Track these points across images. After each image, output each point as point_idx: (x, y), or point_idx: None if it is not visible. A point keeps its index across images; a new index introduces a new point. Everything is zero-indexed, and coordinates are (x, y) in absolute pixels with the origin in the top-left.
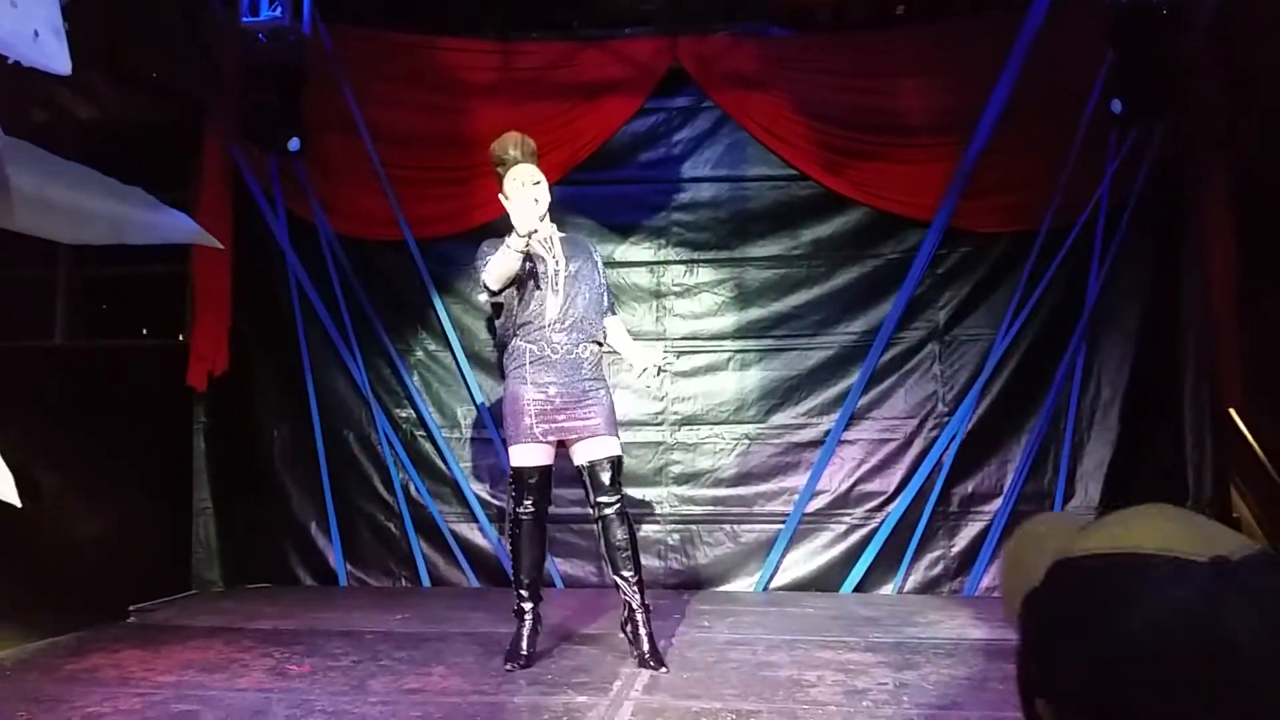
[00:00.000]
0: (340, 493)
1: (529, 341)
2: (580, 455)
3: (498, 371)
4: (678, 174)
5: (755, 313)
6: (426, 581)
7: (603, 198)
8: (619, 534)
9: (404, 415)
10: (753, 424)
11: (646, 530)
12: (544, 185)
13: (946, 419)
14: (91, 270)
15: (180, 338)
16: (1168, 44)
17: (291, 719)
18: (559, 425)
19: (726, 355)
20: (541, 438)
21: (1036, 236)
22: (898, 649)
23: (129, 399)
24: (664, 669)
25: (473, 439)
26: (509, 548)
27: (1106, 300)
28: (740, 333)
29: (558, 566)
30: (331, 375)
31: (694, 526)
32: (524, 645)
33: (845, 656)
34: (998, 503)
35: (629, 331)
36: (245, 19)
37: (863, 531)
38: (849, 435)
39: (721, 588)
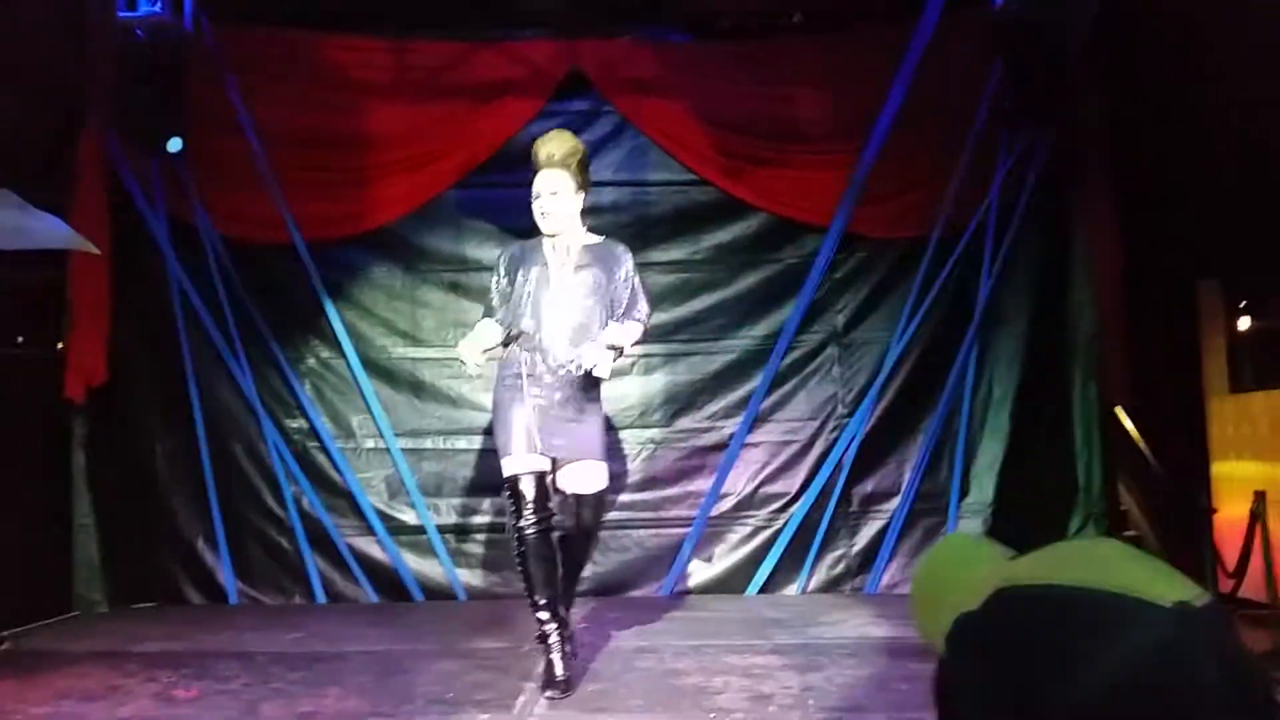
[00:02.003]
0: (228, 507)
1: (526, 351)
2: (565, 482)
3: (397, 379)
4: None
5: (658, 317)
6: (322, 598)
7: (503, 201)
8: (582, 557)
9: (295, 426)
10: (658, 428)
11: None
12: (558, 196)
13: (846, 420)
14: None
15: (59, 346)
16: (1050, 53)
17: None
18: (550, 443)
19: (630, 360)
20: (533, 449)
21: (930, 241)
22: (803, 650)
23: (3, 411)
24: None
25: (369, 449)
26: (518, 568)
27: (997, 302)
28: (644, 338)
29: (460, 577)
30: (217, 385)
31: (601, 532)
32: (558, 669)
33: (751, 660)
34: (896, 501)
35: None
36: (122, 13)
37: (767, 533)
38: (752, 438)
39: (629, 593)
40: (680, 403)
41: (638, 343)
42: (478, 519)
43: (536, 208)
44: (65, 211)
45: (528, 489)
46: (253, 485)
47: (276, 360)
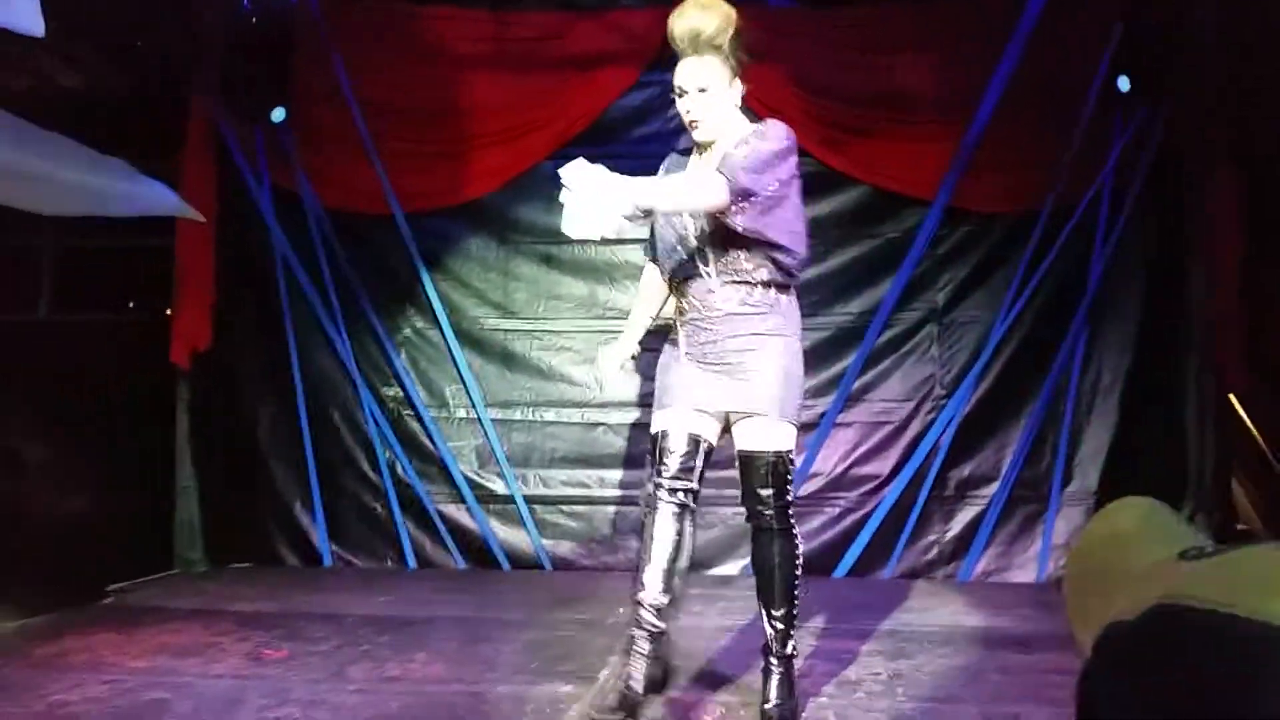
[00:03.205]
0: (325, 472)
1: (678, 296)
2: (737, 440)
3: (488, 350)
4: (675, 148)
5: None
6: (413, 563)
7: None
8: (760, 553)
9: (391, 394)
10: None
11: (638, 512)
12: (708, 94)
13: (944, 402)
14: (76, 242)
15: (167, 312)
16: (1177, 20)
17: (265, 709)
18: (703, 394)
19: None
20: (678, 403)
21: (1038, 217)
22: (891, 636)
23: (113, 375)
24: None
25: (461, 419)
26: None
27: (1109, 284)
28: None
29: (545, 548)
30: (317, 352)
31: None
32: (620, 686)
33: (838, 644)
34: (994, 487)
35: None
36: None
37: (857, 515)
38: (844, 418)
39: (712, 570)
40: None
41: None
42: (565, 490)
43: (682, 109)
44: (173, 180)
45: (661, 445)
46: (349, 451)
47: (374, 329)
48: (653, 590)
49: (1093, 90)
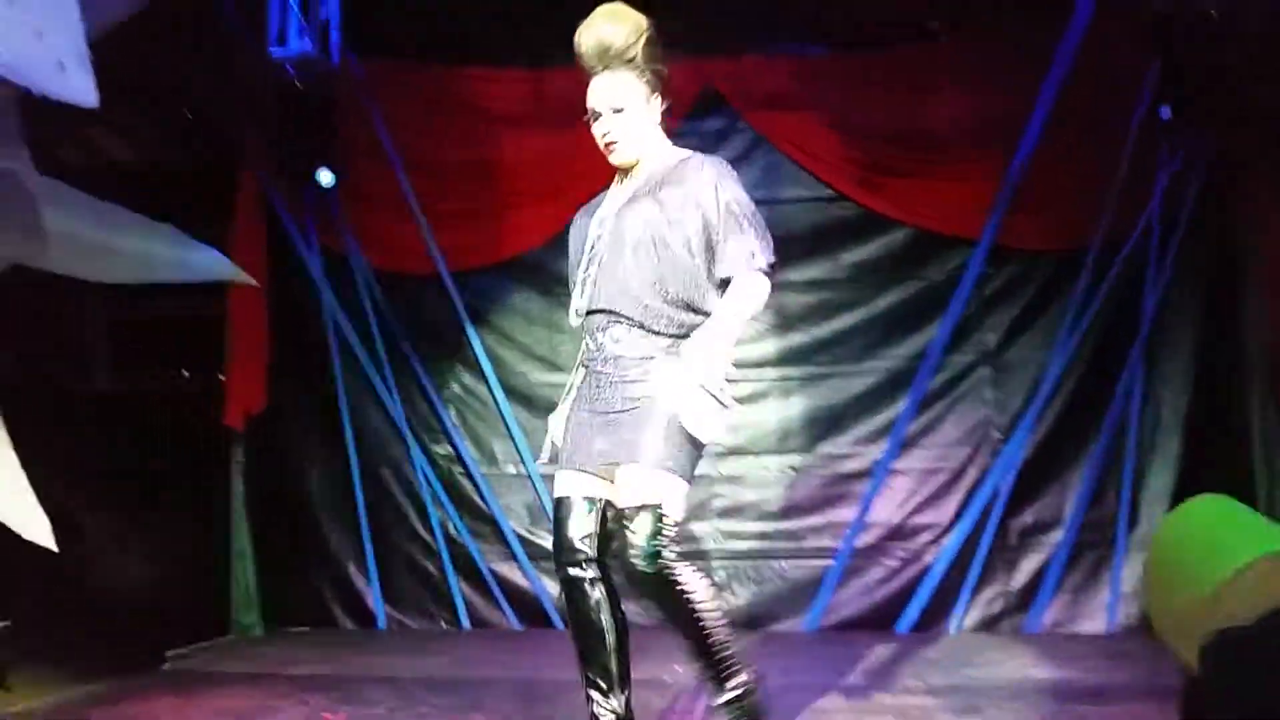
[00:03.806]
0: (378, 532)
1: (583, 336)
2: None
3: (536, 405)
4: None
5: (797, 338)
6: (466, 623)
7: None
8: (657, 608)
9: (441, 452)
10: (798, 454)
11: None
12: (626, 114)
13: (1001, 446)
14: (130, 311)
15: (220, 377)
16: (1219, 49)
17: None
18: (591, 449)
19: (768, 383)
20: (571, 464)
21: (1087, 253)
22: (959, 692)
23: (168, 440)
24: None
25: (511, 475)
26: None
27: (1164, 318)
28: (782, 360)
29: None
30: (368, 412)
31: (740, 562)
32: None
33: (905, 701)
34: (1059, 533)
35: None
36: (274, 50)
37: (917, 566)
38: (899, 465)
39: (770, 627)
40: (821, 427)
41: (767, 306)
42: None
43: (596, 132)
44: (225, 245)
45: (556, 515)
46: (401, 510)
47: (423, 387)
48: (603, 705)
49: (1134, 121)
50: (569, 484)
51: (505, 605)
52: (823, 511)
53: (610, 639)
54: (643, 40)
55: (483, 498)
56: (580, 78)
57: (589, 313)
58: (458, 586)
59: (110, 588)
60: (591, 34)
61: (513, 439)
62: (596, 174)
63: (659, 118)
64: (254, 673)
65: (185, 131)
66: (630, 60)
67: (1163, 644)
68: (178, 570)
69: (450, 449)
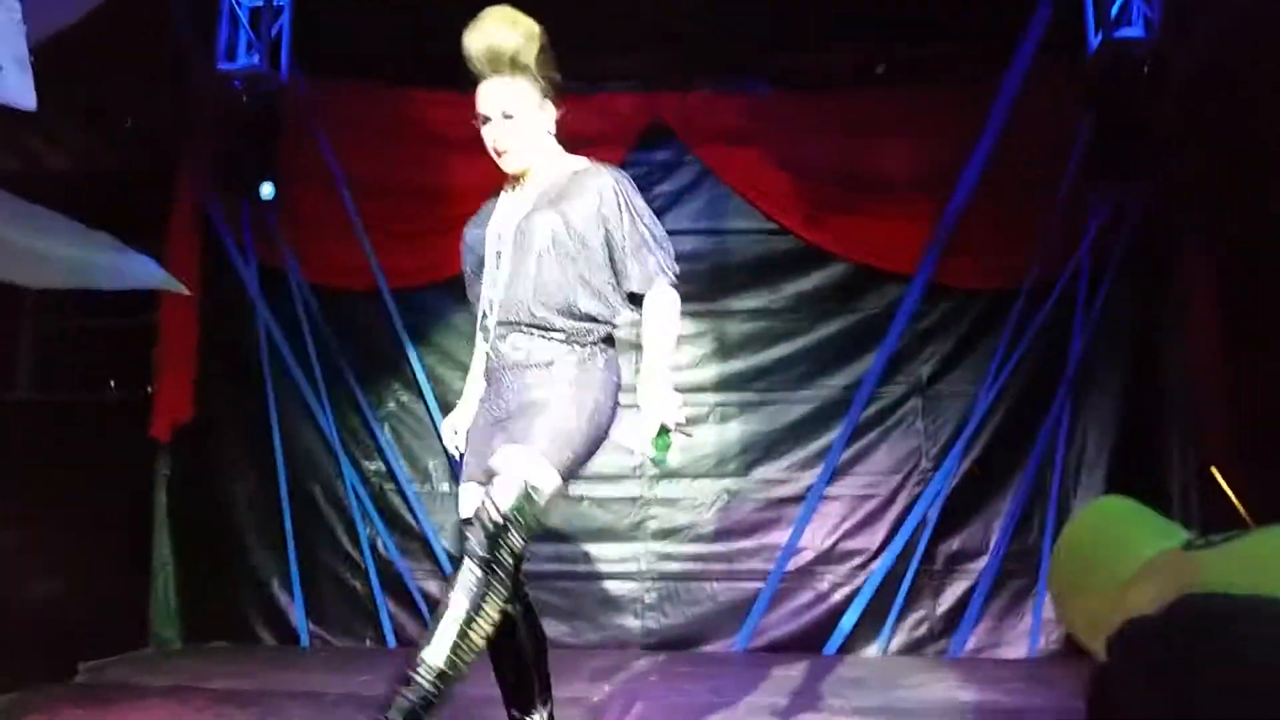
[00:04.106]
0: (304, 548)
1: (482, 344)
2: None
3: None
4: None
5: (736, 365)
6: (393, 641)
7: None
8: (446, 591)
9: (373, 468)
10: (733, 478)
11: (623, 588)
12: (517, 120)
13: (930, 475)
14: (57, 322)
15: (149, 389)
16: (1143, 106)
17: None
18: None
19: (706, 408)
20: (471, 479)
21: (1019, 294)
22: (885, 712)
23: (92, 453)
24: None
25: (444, 493)
26: None
27: (1091, 357)
28: (720, 385)
29: None
30: (299, 427)
31: (672, 584)
32: None
33: None
34: (984, 560)
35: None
36: (222, 65)
37: (846, 590)
38: (831, 491)
39: (701, 648)
40: (757, 453)
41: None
42: (547, 566)
43: (486, 138)
44: (160, 256)
45: (464, 537)
46: (329, 526)
47: (358, 403)
48: None
49: (1068, 170)
50: (471, 501)
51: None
52: (756, 535)
53: (527, 657)
54: (535, 45)
55: (414, 515)
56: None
57: (493, 323)
58: (385, 604)
59: (25, 598)
60: (481, 38)
61: (448, 457)
62: None
63: (552, 125)
64: (171, 685)
65: (125, 140)
66: (523, 66)
67: (1076, 649)
68: (97, 583)
69: (383, 465)
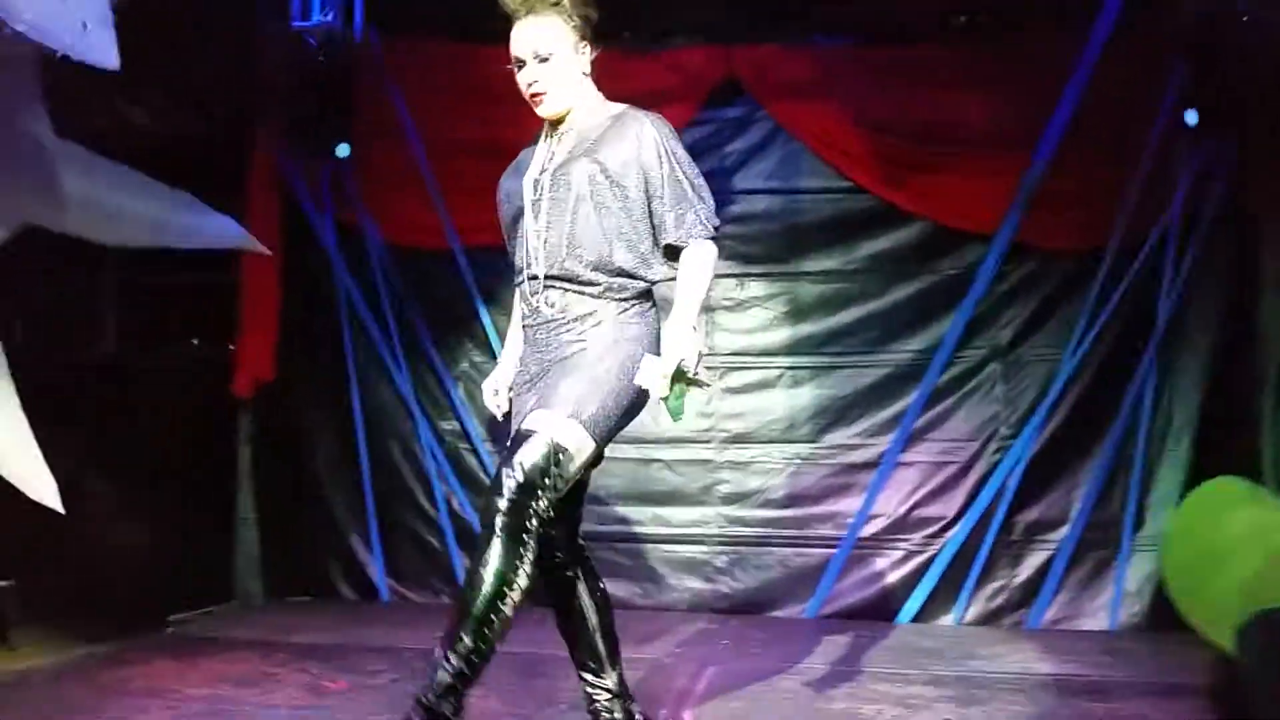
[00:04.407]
0: (383, 505)
1: (520, 300)
2: None
3: None
4: (730, 186)
5: (808, 328)
6: None
7: None
8: (472, 560)
9: (448, 428)
10: (805, 443)
11: (693, 551)
12: (552, 62)
13: (1010, 442)
14: (142, 279)
15: (230, 347)
16: (1247, 54)
17: None
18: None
19: (778, 372)
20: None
21: (1105, 253)
22: (961, 683)
23: (176, 409)
24: None
25: None
26: None
27: (1179, 321)
28: (792, 349)
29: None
30: (377, 386)
31: (743, 548)
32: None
33: (905, 690)
34: (1064, 530)
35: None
36: (296, 23)
37: (920, 558)
38: (906, 457)
39: (772, 613)
40: (829, 418)
41: (716, 275)
42: (617, 527)
43: (522, 81)
44: (239, 215)
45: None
46: (407, 485)
47: (433, 363)
48: (596, 685)
49: (1158, 123)
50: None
51: None
52: (827, 501)
53: (592, 619)
54: None
55: (487, 474)
56: (601, 60)
57: (528, 277)
58: (461, 561)
59: (115, 551)
60: None
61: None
62: None
63: (588, 67)
64: (255, 639)
65: (203, 100)
66: (556, 4)
67: (1185, 634)
68: (183, 536)
69: (457, 425)
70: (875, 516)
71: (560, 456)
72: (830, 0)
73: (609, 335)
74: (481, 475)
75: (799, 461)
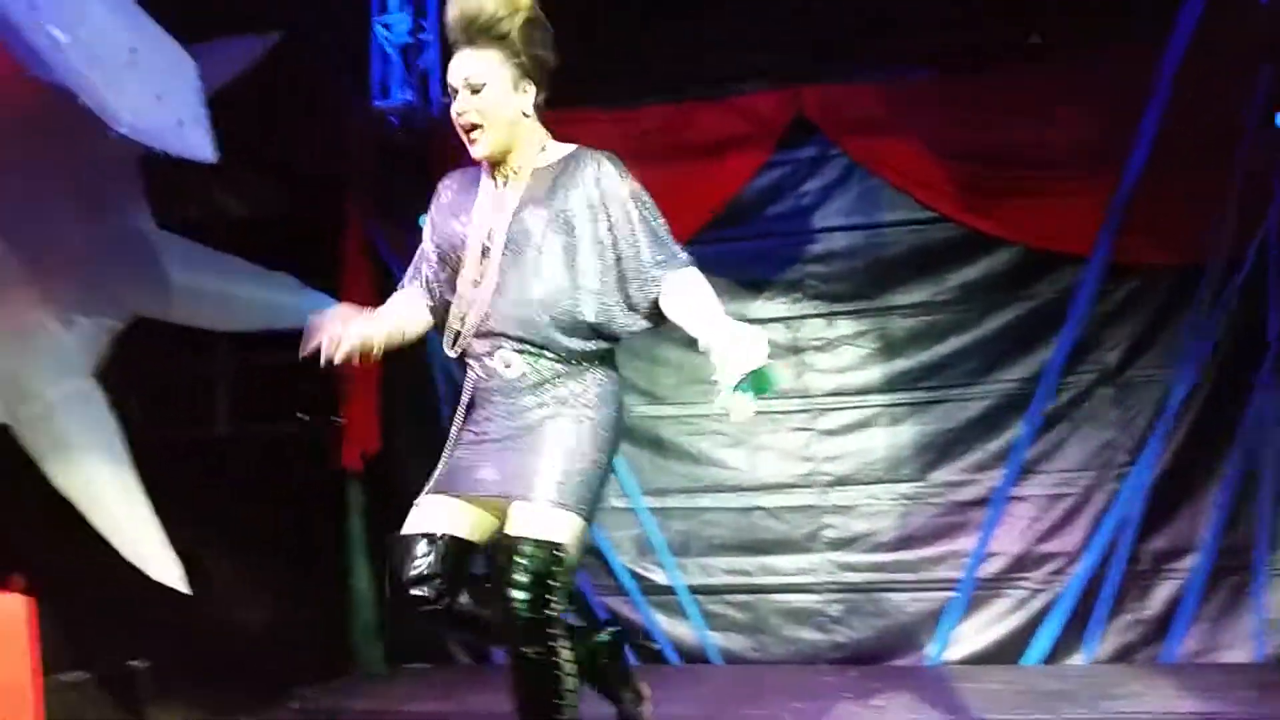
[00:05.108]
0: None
1: (470, 358)
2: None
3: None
4: (809, 225)
5: (903, 364)
6: None
7: (732, 255)
8: (512, 681)
9: None
10: (910, 483)
11: (804, 600)
12: (486, 94)
13: (1128, 469)
14: (249, 358)
15: (335, 420)
16: None
17: None
18: (472, 478)
19: (875, 410)
20: (440, 489)
21: (1206, 267)
22: None
23: (287, 483)
24: None
25: (617, 509)
26: None
27: None
28: (889, 386)
29: (712, 640)
30: None
31: (855, 595)
32: None
33: None
34: (1194, 558)
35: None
36: (377, 102)
37: (1045, 596)
38: (1019, 491)
39: (890, 662)
40: (933, 454)
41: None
42: (727, 579)
43: (454, 112)
44: (335, 292)
45: (408, 548)
46: None
47: None
48: None
49: (1247, 130)
50: (434, 515)
51: None
52: (940, 542)
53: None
54: (519, 18)
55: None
56: (665, 115)
57: (476, 333)
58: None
59: (238, 627)
60: (457, 3)
61: (615, 471)
62: (682, 210)
63: (531, 109)
64: (378, 709)
65: (294, 183)
66: (500, 37)
67: None
68: (302, 609)
69: None
70: (993, 555)
71: (558, 554)
72: (898, 31)
73: (578, 399)
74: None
75: (906, 502)
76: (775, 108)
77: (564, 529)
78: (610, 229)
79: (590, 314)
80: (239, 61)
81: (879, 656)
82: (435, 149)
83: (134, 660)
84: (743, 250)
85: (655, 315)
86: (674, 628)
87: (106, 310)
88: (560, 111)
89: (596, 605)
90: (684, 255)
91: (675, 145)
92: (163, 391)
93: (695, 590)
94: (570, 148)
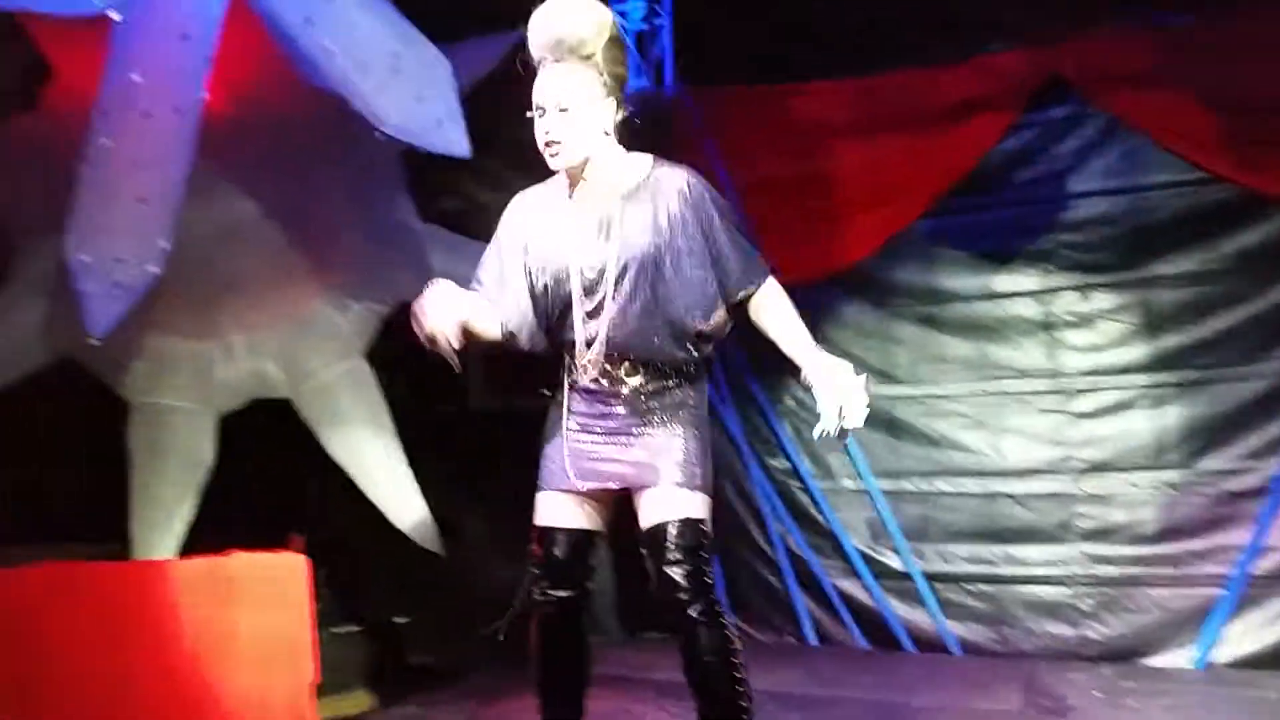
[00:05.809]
0: (722, 544)
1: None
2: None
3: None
4: (1063, 190)
5: (1169, 340)
6: (813, 638)
7: (975, 225)
8: (687, 653)
9: (777, 465)
10: (1176, 470)
11: (1053, 593)
12: (571, 114)
13: None
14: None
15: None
16: None
17: None
18: (594, 469)
19: (1137, 391)
20: (562, 484)
21: None
22: None
23: (532, 453)
24: None
25: (849, 490)
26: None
27: None
28: (1152, 364)
29: (950, 629)
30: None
31: (1111, 589)
32: None
33: None
34: None
35: None
36: None
37: None
38: None
39: (1148, 661)
40: (1202, 440)
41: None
42: (968, 568)
43: (539, 130)
44: None
45: (544, 544)
46: (742, 523)
47: (758, 400)
48: None
49: None
50: (564, 511)
51: (850, 623)
52: (1208, 534)
53: (574, 674)
54: (605, 38)
55: (821, 512)
56: (904, 82)
57: (585, 342)
58: (802, 601)
59: (486, 588)
60: (547, 23)
61: (849, 452)
62: (924, 177)
63: (611, 124)
64: (614, 675)
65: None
66: (587, 57)
67: None
68: None
69: (786, 463)
70: (1270, 549)
71: (702, 528)
72: None
73: (691, 403)
74: (814, 512)
75: (1171, 491)
76: (1026, 67)
77: (701, 507)
78: (705, 241)
79: (698, 324)
80: (488, 60)
81: (1135, 654)
82: (678, 133)
83: (397, 615)
84: (985, 221)
85: (738, 324)
86: (909, 614)
87: (376, 297)
88: (800, 83)
89: (828, 586)
90: (766, 265)
91: (916, 112)
92: (424, 370)
93: (932, 577)
94: (648, 161)
